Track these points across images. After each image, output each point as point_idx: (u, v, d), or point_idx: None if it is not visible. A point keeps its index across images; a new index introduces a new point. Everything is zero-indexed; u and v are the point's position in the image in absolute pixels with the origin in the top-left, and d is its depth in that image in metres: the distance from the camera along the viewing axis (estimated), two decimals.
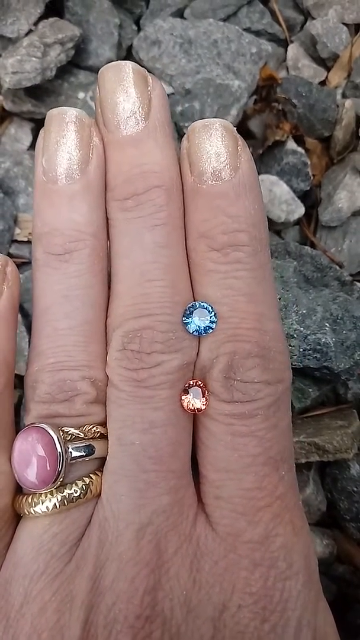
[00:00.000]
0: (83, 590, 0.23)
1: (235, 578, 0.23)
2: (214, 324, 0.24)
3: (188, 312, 0.24)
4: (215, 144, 0.25)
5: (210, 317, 0.24)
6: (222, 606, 0.23)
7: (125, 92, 0.25)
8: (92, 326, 0.25)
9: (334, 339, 0.43)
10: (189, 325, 0.24)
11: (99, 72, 0.26)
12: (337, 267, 0.46)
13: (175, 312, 0.25)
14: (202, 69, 0.51)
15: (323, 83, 0.53)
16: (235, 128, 0.26)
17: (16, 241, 0.47)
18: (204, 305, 0.24)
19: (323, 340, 0.42)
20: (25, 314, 0.46)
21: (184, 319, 0.24)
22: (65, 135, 0.26)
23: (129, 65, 0.26)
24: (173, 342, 0.24)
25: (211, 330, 0.24)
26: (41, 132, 0.26)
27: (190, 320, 0.24)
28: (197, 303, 0.25)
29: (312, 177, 0.49)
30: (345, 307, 0.43)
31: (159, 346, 0.24)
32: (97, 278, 0.26)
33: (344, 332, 0.43)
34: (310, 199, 0.50)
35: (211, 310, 0.24)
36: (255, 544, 0.23)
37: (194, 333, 0.24)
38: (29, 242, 0.47)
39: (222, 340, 0.24)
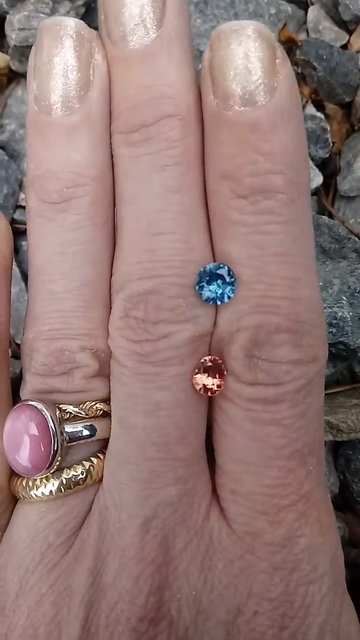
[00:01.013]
0: (83, 585, 0.21)
1: (252, 581, 0.20)
2: (233, 290, 0.20)
3: (202, 275, 0.20)
4: (246, 56, 0.20)
5: (230, 281, 0.20)
6: (236, 610, 0.20)
7: None
8: (93, 288, 0.22)
9: (351, 313, 0.41)
10: (202, 292, 0.20)
11: None
12: (356, 239, 0.44)
13: (187, 274, 0.21)
14: None
15: (345, 47, 0.51)
16: (273, 35, 0.21)
17: (21, 206, 0.45)
18: (221, 267, 0.20)
19: (339, 314, 0.40)
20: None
21: (197, 284, 0.21)
22: (60, 52, 0.21)
23: None
24: (183, 310, 0.21)
25: (228, 299, 0.21)
26: (32, 48, 0.22)
27: (203, 285, 0.20)
28: (212, 265, 0.21)
29: (331, 145, 0.47)
30: None
31: (166, 314, 0.20)
32: (99, 231, 0.22)
33: None
34: (329, 167, 0.48)
35: (231, 274, 0.20)
36: (276, 546, 0.20)
37: (209, 302, 0.21)
38: None
39: (244, 311, 0.21)
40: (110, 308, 0.22)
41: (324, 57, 0.48)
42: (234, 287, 0.20)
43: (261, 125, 0.20)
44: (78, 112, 0.21)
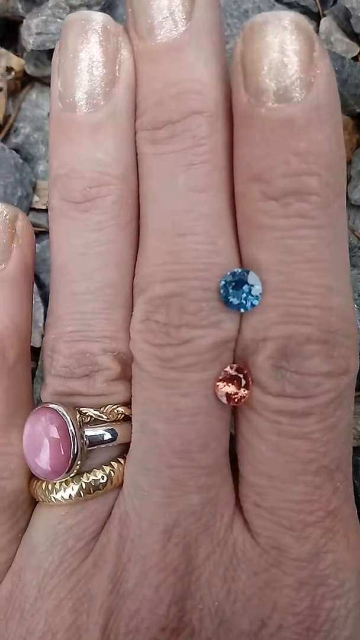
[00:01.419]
0: (103, 591, 0.20)
1: (277, 595, 0.20)
2: (259, 298, 0.20)
3: (227, 281, 0.20)
4: (282, 49, 0.18)
5: (256, 288, 0.20)
6: (260, 622, 0.20)
7: None
8: (116, 290, 0.22)
9: None
10: (227, 298, 0.20)
11: None
12: None
13: (212, 277, 0.20)
14: (232, 39, 0.49)
15: (356, 58, 0.52)
16: (312, 27, 0.19)
17: (34, 209, 0.45)
18: (248, 272, 0.20)
19: None
20: (40, 284, 0.44)
21: (221, 289, 0.20)
22: (85, 48, 0.20)
23: None
24: (207, 315, 0.20)
25: (253, 307, 0.20)
26: (57, 44, 0.21)
27: (229, 291, 0.20)
28: (238, 270, 0.20)
29: None
30: None
31: (189, 318, 0.20)
32: (123, 231, 0.22)
33: None
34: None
35: (258, 281, 0.20)
36: (303, 561, 0.20)
37: (234, 309, 0.20)
38: (47, 210, 0.45)
39: (273, 320, 0.20)
40: (132, 311, 0.22)
41: (336, 68, 0.49)
42: (260, 295, 0.20)
43: (296, 123, 0.19)
44: (103, 109, 0.21)
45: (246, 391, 0.20)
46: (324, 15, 0.53)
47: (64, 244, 0.22)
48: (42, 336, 0.43)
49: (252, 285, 0.20)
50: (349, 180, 0.48)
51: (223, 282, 0.20)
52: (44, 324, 0.43)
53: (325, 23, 0.52)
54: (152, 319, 0.20)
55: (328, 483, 0.20)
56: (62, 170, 0.22)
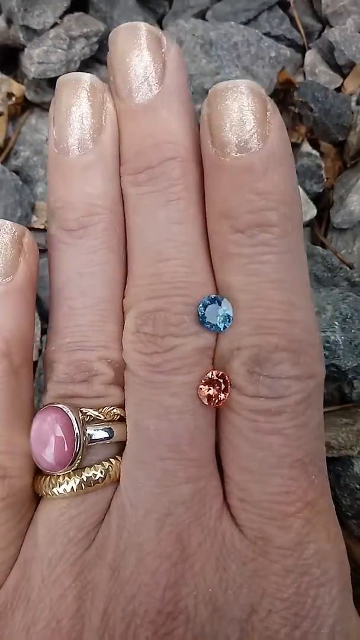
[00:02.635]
0: (103, 579, 0.22)
1: (265, 582, 0.22)
2: (231, 319, 0.23)
3: (203, 306, 0.23)
4: (239, 110, 0.22)
5: (228, 312, 0.23)
6: (250, 609, 0.21)
7: (137, 56, 0.23)
8: (109, 305, 0.24)
9: (342, 337, 0.43)
10: (204, 320, 0.23)
11: (110, 34, 0.24)
12: (348, 268, 0.47)
13: (191, 293, 0.23)
14: (222, 70, 0.52)
15: (339, 89, 0.55)
16: (263, 90, 0.23)
17: (33, 228, 0.48)
18: (220, 298, 0.23)
19: (332, 338, 0.43)
20: (38, 301, 0.46)
21: (198, 313, 0.23)
22: (76, 102, 0.24)
23: (141, 25, 0.24)
24: (187, 325, 0.23)
25: (225, 328, 0.23)
26: (52, 100, 0.25)
27: (205, 314, 0.23)
28: (212, 296, 0.23)
29: (325, 180, 0.50)
30: (355, 306, 0.44)
31: (172, 329, 0.22)
32: (113, 254, 0.24)
33: (353, 331, 0.43)
34: (323, 201, 0.51)
35: (229, 306, 0.23)
36: (287, 550, 0.22)
37: (210, 329, 0.23)
38: (46, 230, 0.48)
39: (245, 333, 0.23)
40: (123, 324, 0.24)
41: (320, 99, 0.52)
42: (231, 317, 0.23)
43: (255, 168, 0.22)
44: (92, 152, 0.24)
45: (226, 393, 0.22)
46: (309, 48, 0.56)
47: (62, 266, 0.24)
48: (40, 350, 0.45)
49: (225, 309, 0.23)
50: (331, 204, 0.51)
51: (200, 306, 0.23)
52: (40, 339, 0.45)
53: (310, 55, 0.55)
54: (141, 331, 0.23)
55: (303, 475, 0.22)
56: (58, 203, 0.24)
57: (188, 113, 0.24)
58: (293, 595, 0.21)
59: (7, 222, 0.24)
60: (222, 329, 0.23)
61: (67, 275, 0.24)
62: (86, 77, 0.24)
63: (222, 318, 0.23)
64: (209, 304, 0.23)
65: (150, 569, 0.22)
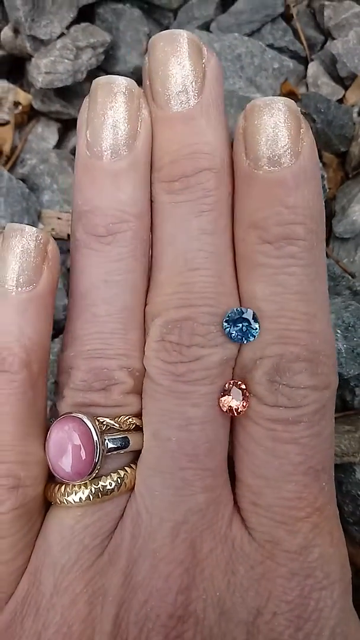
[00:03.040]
0: (115, 584, 0.22)
1: (271, 585, 0.22)
2: (257, 332, 0.23)
3: (229, 317, 0.23)
4: (276, 126, 0.23)
5: (254, 325, 0.23)
6: (256, 611, 0.22)
7: (178, 63, 0.23)
8: (131, 313, 0.24)
9: (345, 346, 0.44)
10: (229, 332, 0.23)
11: (150, 40, 0.24)
12: (350, 277, 0.48)
13: (218, 304, 0.23)
14: (226, 81, 0.53)
15: (341, 101, 0.55)
16: (299, 108, 0.24)
17: None
18: (246, 311, 0.23)
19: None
20: None
21: (224, 325, 0.23)
22: (112, 106, 0.24)
23: (183, 34, 0.24)
24: (214, 336, 0.23)
25: (253, 338, 0.23)
26: (85, 101, 0.25)
27: (230, 326, 0.23)
28: (238, 308, 0.23)
29: (327, 190, 0.51)
30: (357, 315, 0.45)
31: (199, 339, 0.23)
32: (139, 262, 0.24)
33: (355, 339, 0.44)
34: (325, 211, 0.52)
35: (255, 318, 0.23)
36: (293, 553, 0.22)
37: (235, 340, 0.23)
38: (53, 237, 0.48)
39: (268, 342, 0.23)
40: (145, 332, 0.25)
41: (322, 110, 0.52)
42: (257, 329, 0.23)
43: (287, 182, 0.23)
44: (125, 158, 0.24)
45: (245, 403, 0.23)
46: (312, 60, 0.56)
47: (87, 272, 0.24)
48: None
49: (250, 322, 0.23)
50: (333, 214, 0.51)
51: (227, 318, 0.23)
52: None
53: (312, 67, 0.56)
54: (166, 340, 0.23)
55: (315, 482, 0.23)
56: (87, 207, 0.24)
57: (224, 125, 0.24)
58: (297, 598, 0.22)
59: (33, 228, 0.24)
60: (247, 341, 0.23)
61: (92, 281, 0.24)
62: (123, 80, 0.24)
63: (248, 331, 0.23)
64: (235, 316, 0.23)
65: (164, 574, 0.22)
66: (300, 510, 0.23)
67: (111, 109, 0.24)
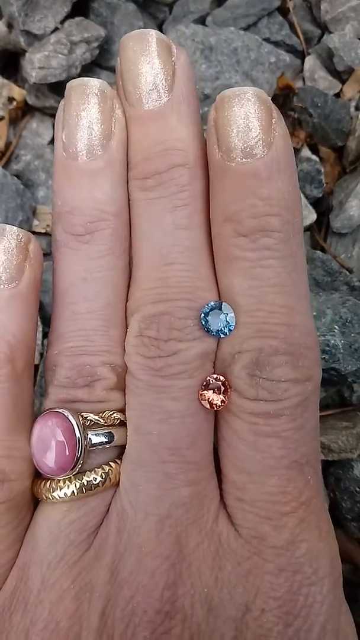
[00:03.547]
0: (102, 580, 0.22)
1: (259, 581, 0.22)
2: (232, 326, 0.23)
3: (206, 312, 0.23)
4: (246, 116, 0.23)
5: (230, 317, 0.23)
6: (244, 607, 0.22)
7: (147, 62, 0.24)
8: (113, 309, 0.24)
9: (342, 342, 0.44)
10: (207, 326, 0.23)
11: (121, 40, 0.24)
12: (347, 272, 0.47)
13: (195, 298, 0.23)
14: (222, 75, 0.52)
15: (338, 95, 0.55)
16: (269, 98, 0.23)
17: (34, 232, 0.48)
18: (223, 304, 0.23)
19: (332, 342, 0.43)
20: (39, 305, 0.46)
21: (201, 318, 0.23)
22: (86, 108, 0.24)
23: (152, 33, 0.24)
24: (191, 330, 0.23)
25: (230, 332, 0.23)
26: (61, 104, 0.25)
27: (208, 320, 0.23)
28: (215, 302, 0.23)
29: (324, 185, 0.51)
30: (355, 310, 0.44)
31: (176, 333, 0.23)
32: (119, 260, 0.25)
33: (353, 335, 0.44)
34: (322, 206, 0.52)
35: (230, 311, 0.23)
36: (280, 549, 0.22)
37: (213, 334, 0.23)
38: (47, 234, 0.48)
39: (246, 336, 0.23)
40: (126, 329, 0.25)
41: (319, 104, 0.52)
42: (234, 323, 0.23)
43: (260, 174, 0.22)
44: (101, 158, 0.24)
45: (226, 397, 0.23)
46: (309, 54, 0.56)
47: (67, 270, 0.24)
48: (41, 354, 0.45)
49: (227, 314, 0.23)
50: (331, 209, 0.51)
51: (204, 312, 0.23)
52: (42, 342, 0.45)
53: (309, 61, 0.55)
54: (144, 335, 0.23)
55: (299, 476, 0.23)
56: (66, 207, 0.24)
57: (196, 121, 0.24)
58: (286, 594, 0.22)
59: (14, 227, 0.24)
60: (224, 335, 0.23)
61: (71, 279, 0.24)
62: (96, 82, 0.24)
63: (225, 324, 0.23)
64: (212, 310, 0.23)
65: (150, 570, 0.22)
66: (285, 504, 0.23)
67: (84, 110, 0.24)
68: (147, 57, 0.24)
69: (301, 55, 0.56)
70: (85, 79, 0.25)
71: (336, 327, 0.44)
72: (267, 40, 0.55)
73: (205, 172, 0.24)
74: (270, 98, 0.23)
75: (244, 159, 0.22)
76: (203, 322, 0.23)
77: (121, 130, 0.24)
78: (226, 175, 0.23)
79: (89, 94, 0.24)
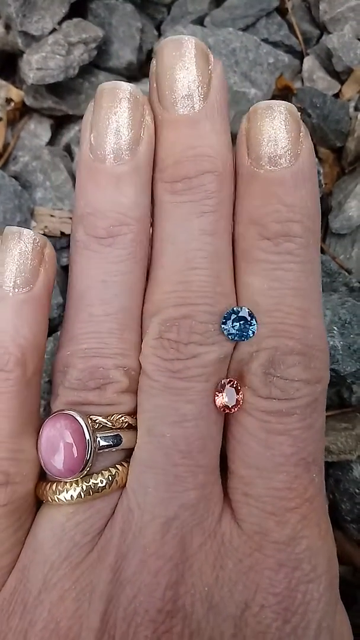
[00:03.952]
0: (104, 580, 0.22)
1: (259, 577, 0.23)
2: (254, 330, 0.23)
3: (226, 316, 0.23)
4: (277, 128, 0.24)
5: (250, 322, 0.23)
6: (244, 605, 0.22)
7: (185, 68, 0.24)
8: (128, 313, 0.25)
9: (341, 343, 0.43)
10: (227, 330, 0.23)
11: (159, 45, 0.25)
12: (346, 273, 0.47)
13: (216, 303, 0.24)
14: None
15: (337, 95, 0.55)
16: (299, 113, 0.25)
17: None
18: (243, 309, 0.24)
19: (331, 343, 0.43)
20: None
21: (222, 324, 0.24)
22: (117, 112, 0.24)
23: (191, 40, 0.25)
24: (211, 334, 0.23)
25: (253, 335, 0.23)
26: (90, 105, 0.25)
27: (228, 324, 0.23)
28: (235, 307, 0.24)
29: (323, 186, 0.51)
30: (354, 311, 0.44)
31: (197, 337, 0.23)
32: (137, 265, 0.25)
33: (352, 336, 0.44)
34: (321, 206, 0.51)
35: (252, 315, 0.23)
36: (281, 544, 0.23)
37: (234, 338, 0.24)
38: (44, 235, 0.48)
39: (264, 335, 0.24)
40: (141, 332, 0.25)
41: (318, 104, 0.52)
42: (255, 327, 0.23)
43: (286, 182, 0.24)
44: (128, 163, 0.24)
45: (238, 402, 0.23)
46: (307, 54, 0.56)
47: (86, 272, 0.25)
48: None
49: (247, 319, 0.24)
50: (330, 210, 0.51)
51: (225, 317, 0.24)
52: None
53: (308, 62, 0.55)
54: (164, 337, 0.24)
55: (306, 473, 0.23)
56: (88, 209, 0.25)
57: (227, 130, 0.25)
58: (285, 590, 0.22)
59: (31, 231, 0.25)
60: (248, 337, 0.24)
61: (90, 281, 0.25)
62: (128, 86, 0.25)
63: (246, 330, 0.23)
64: (232, 315, 0.24)
65: (153, 570, 0.22)
66: (290, 500, 0.23)
67: (115, 114, 0.25)
68: (184, 62, 0.24)
69: (300, 56, 0.56)
70: (118, 82, 0.25)
71: (335, 328, 0.44)
72: (265, 40, 0.55)
73: (233, 181, 0.25)
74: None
75: (272, 167, 0.24)
76: (224, 327, 0.23)
77: (150, 137, 0.25)
78: (254, 181, 0.24)
79: (121, 98, 0.25)
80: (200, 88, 0.24)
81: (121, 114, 0.24)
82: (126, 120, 0.24)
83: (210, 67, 0.25)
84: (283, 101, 0.24)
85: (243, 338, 0.23)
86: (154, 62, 0.25)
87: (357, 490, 0.44)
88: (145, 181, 0.25)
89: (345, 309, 0.44)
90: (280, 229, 0.24)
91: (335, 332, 0.44)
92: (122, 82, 0.25)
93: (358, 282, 0.48)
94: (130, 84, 0.25)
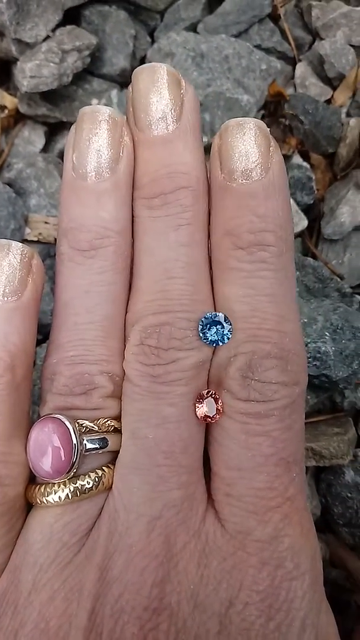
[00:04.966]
0: (91, 580, 0.23)
1: (242, 575, 0.23)
2: (230, 334, 0.24)
3: (203, 323, 0.25)
4: (247, 143, 0.25)
5: (227, 327, 0.24)
6: (228, 602, 0.23)
7: (158, 93, 0.26)
8: (112, 322, 0.26)
9: (333, 348, 0.44)
10: (205, 336, 0.24)
11: (134, 72, 0.27)
12: (338, 279, 0.48)
13: (194, 310, 0.25)
14: (213, 83, 0.53)
15: (329, 101, 0.55)
16: (268, 129, 0.26)
17: (26, 240, 0.48)
18: (219, 315, 0.25)
19: (323, 348, 0.44)
20: None
21: (200, 330, 0.25)
22: (97, 133, 0.26)
23: (163, 67, 0.26)
24: (190, 340, 0.24)
25: (228, 340, 0.24)
26: (72, 127, 0.27)
27: (205, 330, 0.24)
28: (211, 313, 0.25)
29: (315, 192, 0.51)
30: (345, 317, 0.45)
31: (176, 343, 0.24)
32: (119, 275, 0.26)
33: (343, 341, 0.44)
34: (314, 212, 0.52)
35: (227, 321, 0.25)
36: (264, 543, 0.23)
37: (211, 344, 0.24)
38: (38, 242, 0.48)
39: (241, 340, 0.25)
40: (125, 340, 0.26)
41: (310, 111, 0.52)
42: (230, 332, 0.25)
43: (258, 194, 0.25)
44: (108, 180, 0.26)
45: (218, 409, 0.24)
46: (300, 61, 0.56)
47: (70, 283, 0.26)
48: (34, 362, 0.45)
49: (223, 325, 0.25)
50: (322, 216, 0.51)
51: (200, 325, 0.25)
52: (35, 351, 0.45)
53: (300, 68, 0.56)
54: (145, 343, 0.25)
55: (286, 473, 0.24)
56: (72, 224, 0.26)
57: (200, 148, 0.27)
58: (268, 588, 0.23)
59: (19, 244, 0.26)
60: (221, 344, 0.25)
61: (75, 292, 0.26)
62: (107, 110, 0.26)
63: (221, 334, 0.24)
64: (210, 321, 0.25)
65: (139, 568, 0.23)
66: (271, 500, 0.24)
67: (96, 135, 0.26)
68: (157, 88, 0.26)
69: (292, 62, 0.56)
70: (97, 106, 0.27)
71: (327, 333, 0.44)
72: (258, 47, 0.55)
73: (207, 195, 0.26)
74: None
75: (243, 180, 0.25)
76: (201, 333, 0.24)
77: (129, 155, 0.26)
78: (227, 194, 0.25)
79: (101, 120, 0.26)
80: (173, 111, 0.26)
81: (101, 135, 0.26)
82: (106, 141, 0.26)
83: (182, 91, 0.26)
84: (252, 118, 0.26)
85: (219, 342, 0.24)
86: (130, 87, 0.27)
87: (349, 495, 0.44)
88: (126, 197, 0.26)
89: (337, 314, 0.45)
90: (254, 239, 0.25)
91: (327, 337, 0.44)
92: (102, 106, 0.27)
93: (350, 287, 0.48)
94: (110, 108, 0.26)
